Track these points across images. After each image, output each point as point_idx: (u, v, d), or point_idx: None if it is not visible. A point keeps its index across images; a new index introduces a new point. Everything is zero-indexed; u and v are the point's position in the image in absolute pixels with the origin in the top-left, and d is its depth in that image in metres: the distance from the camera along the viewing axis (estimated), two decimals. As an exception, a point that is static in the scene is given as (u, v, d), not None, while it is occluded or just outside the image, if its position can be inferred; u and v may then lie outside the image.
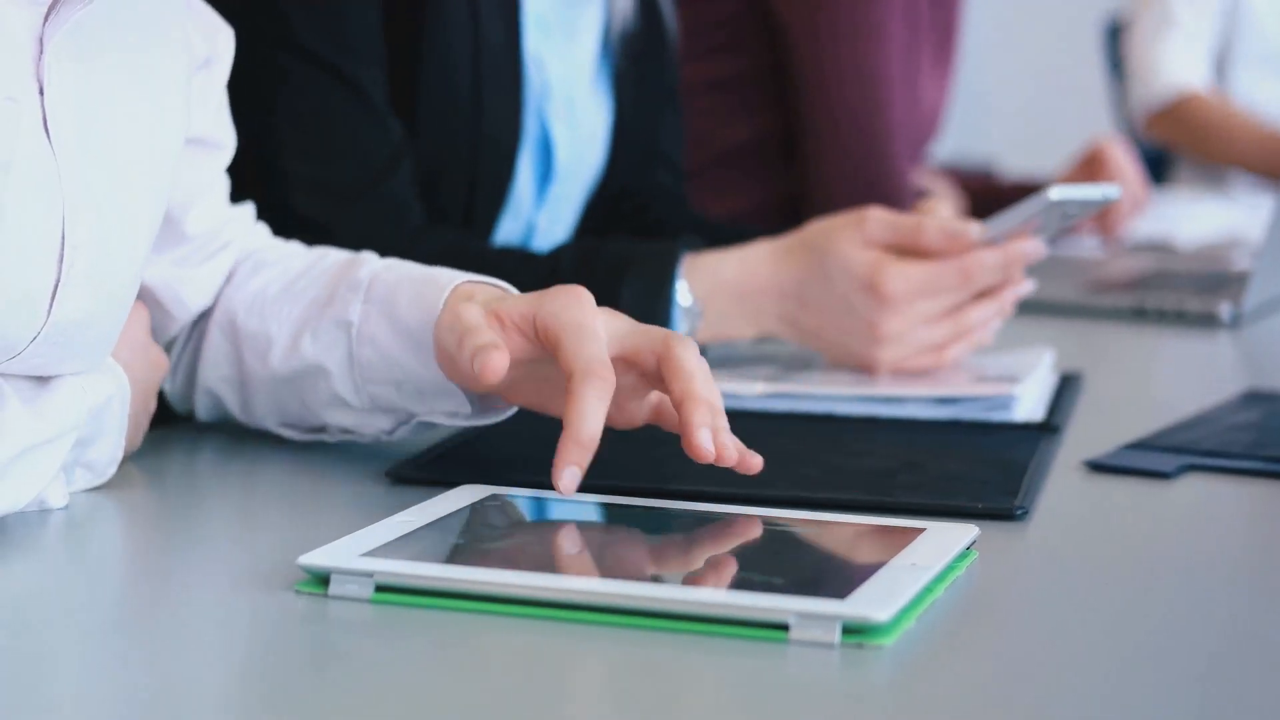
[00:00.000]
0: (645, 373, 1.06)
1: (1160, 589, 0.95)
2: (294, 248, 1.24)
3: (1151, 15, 3.37)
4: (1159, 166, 3.50)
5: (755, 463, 1.02)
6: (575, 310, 1.04)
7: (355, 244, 1.38)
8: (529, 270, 1.42)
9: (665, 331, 1.05)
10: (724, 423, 1.03)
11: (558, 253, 1.44)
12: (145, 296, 1.18)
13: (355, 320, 1.14)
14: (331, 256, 1.21)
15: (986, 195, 2.40)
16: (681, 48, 1.90)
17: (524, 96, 1.52)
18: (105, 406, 1.05)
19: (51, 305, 0.99)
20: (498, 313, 1.07)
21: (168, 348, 1.22)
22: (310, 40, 1.39)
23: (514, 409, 1.14)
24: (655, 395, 1.09)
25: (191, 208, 1.18)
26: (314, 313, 1.16)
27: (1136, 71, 3.39)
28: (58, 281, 0.99)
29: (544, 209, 1.60)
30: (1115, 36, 3.66)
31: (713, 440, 1.00)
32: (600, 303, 1.39)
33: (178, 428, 1.25)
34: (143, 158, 1.06)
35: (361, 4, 1.42)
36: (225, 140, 1.21)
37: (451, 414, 1.14)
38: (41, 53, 0.97)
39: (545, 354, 1.06)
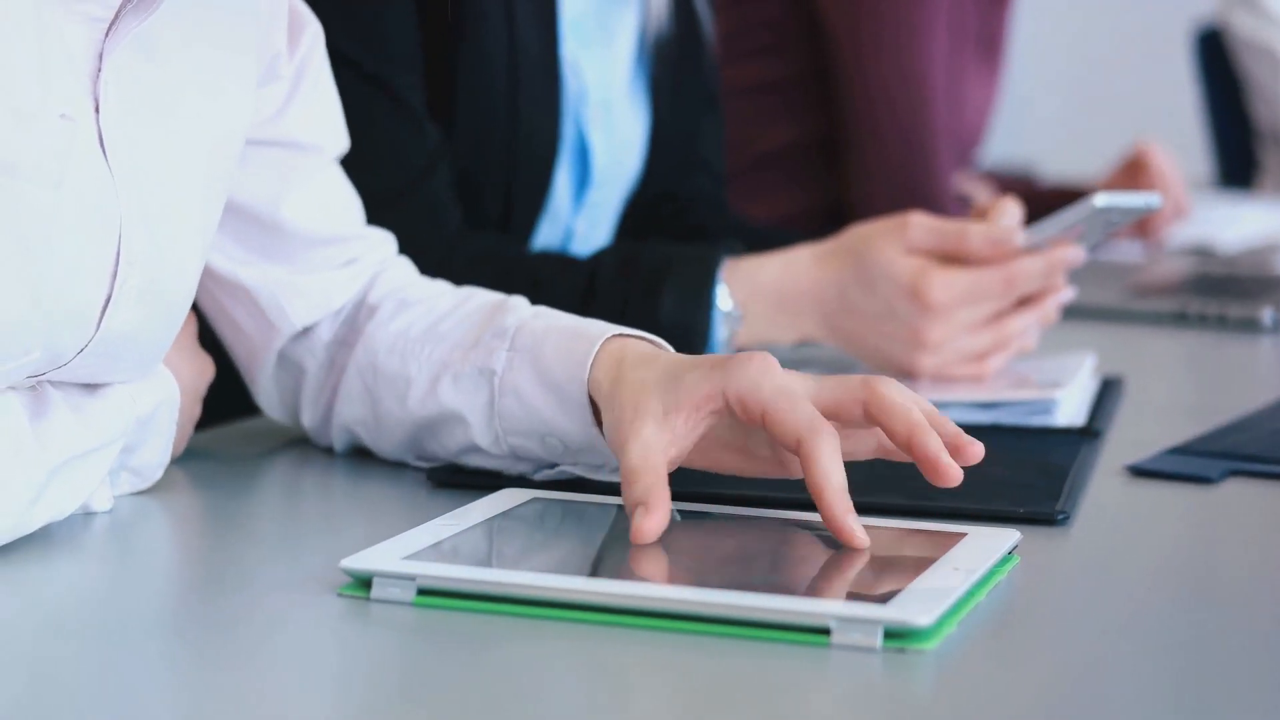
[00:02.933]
0: (849, 423, 1.00)
1: (1203, 594, 0.95)
2: (440, 286, 1.21)
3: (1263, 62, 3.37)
4: (1245, 172, 3.49)
5: (977, 450, 0.99)
6: (772, 377, 0.98)
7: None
8: (569, 275, 1.42)
9: (860, 377, 0.99)
10: (951, 428, 0.99)
11: (598, 257, 1.44)
12: (244, 300, 1.17)
13: (499, 369, 1.10)
14: (478, 298, 1.17)
15: (1026, 199, 2.40)
16: (726, 50, 1.89)
17: (561, 102, 1.52)
18: (153, 414, 1.05)
19: (101, 319, 0.99)
20: (679, 403, 0.99)
21: (295, 374, 1.20)
22: (346, 45, 1.40)
23: None
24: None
25: (282, 202, 1.16)
26: (456, 356, 1.13)
27: None
28: (109, 296, 0.99)
29: (582, 214, 1.60)
30: (1206, 44, 3.62)
31: (951, 459, 0.97)
32: (640, 307, 1.39)
33: (221, 432, 1.25)
34: (199, 171, 1.05)
35: (398, 9, 1.43)
36: (316, 142, 1.18)
37: (596, 467, 1.09)
38: (100, 69, 0.97)
39: (732, 422, 1.00)
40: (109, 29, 0.97)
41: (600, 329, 1.08)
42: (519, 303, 1.15)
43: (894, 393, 0.98)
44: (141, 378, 1.05)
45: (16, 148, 0.92)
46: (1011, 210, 1.45)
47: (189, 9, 1.03)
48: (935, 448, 0.97)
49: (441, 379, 1.13)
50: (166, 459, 1.08)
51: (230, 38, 1.08)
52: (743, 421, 1.00)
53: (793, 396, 0.97)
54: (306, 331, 1.20)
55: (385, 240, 1.24)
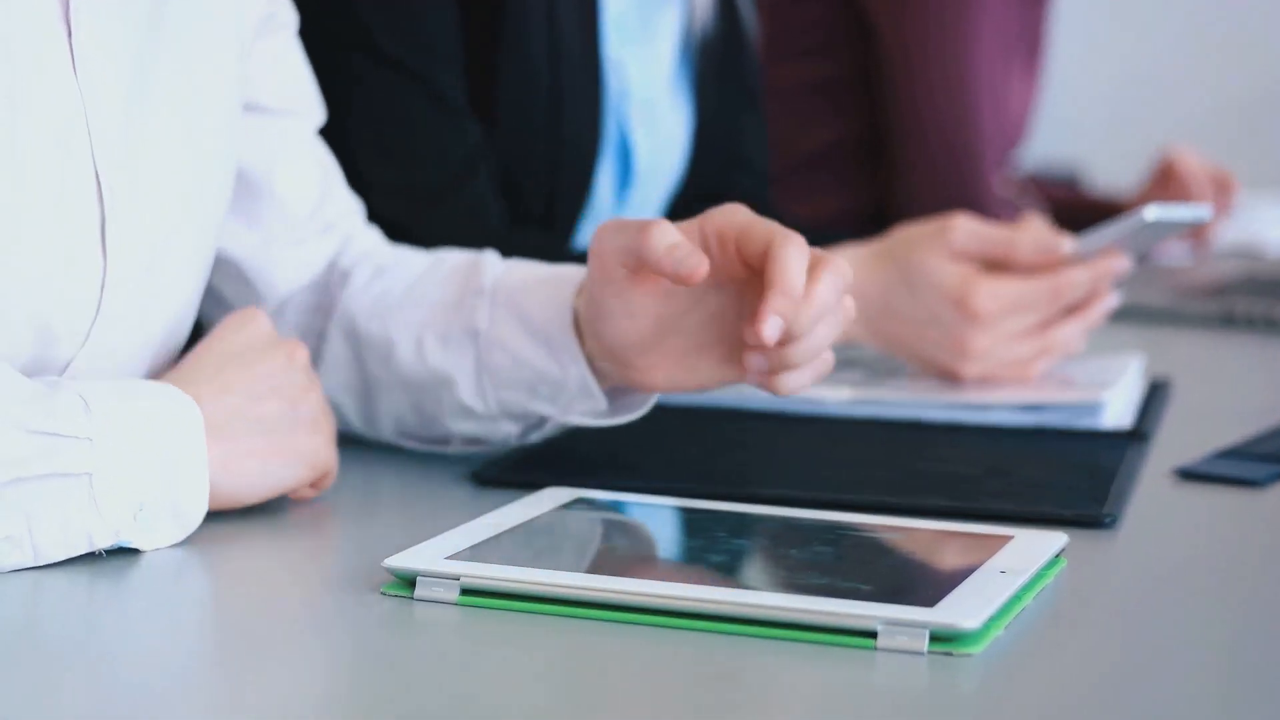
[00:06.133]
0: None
1: (1251, 598, 0.94)
2: (410, 250, 1.22)
3: None
4: None
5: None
6: (746, 210, 1.04)
7: (437, 247, 1.38)
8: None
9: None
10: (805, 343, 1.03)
11: (642, 256, 1.44)
12: (231, 273, 1.16)
13: (483, 326, 1.13)
14: (451, 259, 1.19)
15: (1071, 207, 2.39)
16: (771, 50, 1.89)
17: (603, 100, 1.52)
18: (166, 437, 0.95)
19: (104, 244, 0.98)
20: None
21: None
22: (387, 43, 1.40)
23: (652, 401, 1.11)
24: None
25: (276, 169, 1.16)
26: (438, 316, 1.15)
27: None
28: (103, 219, 0.98)
29: (624, 213, 1.60)
30: None
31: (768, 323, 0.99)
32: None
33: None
34: (186, 109, 1.04)
35: (440, 7, 1.43)
36: (297, 108, 1.19)
37: (587, 413, 1.11)
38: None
39: (701, 297, 1.05)
40: None
41: (575, 271, 1.11)
42: (491, 259, 1.17)
43: (841, 270, 1.02)
44: (168, 356, 1.04)
45: None
46: (1035, 223, 1.44)
47: None
48: (774, 306, 0.99)
49: (425, 340, 1.15)
50: (204, 495, 0.97)
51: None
52: (719, 263, 1.03)
53: (763, 220, 1.03)
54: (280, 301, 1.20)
55: (358, 207, 1.24)
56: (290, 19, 1.18)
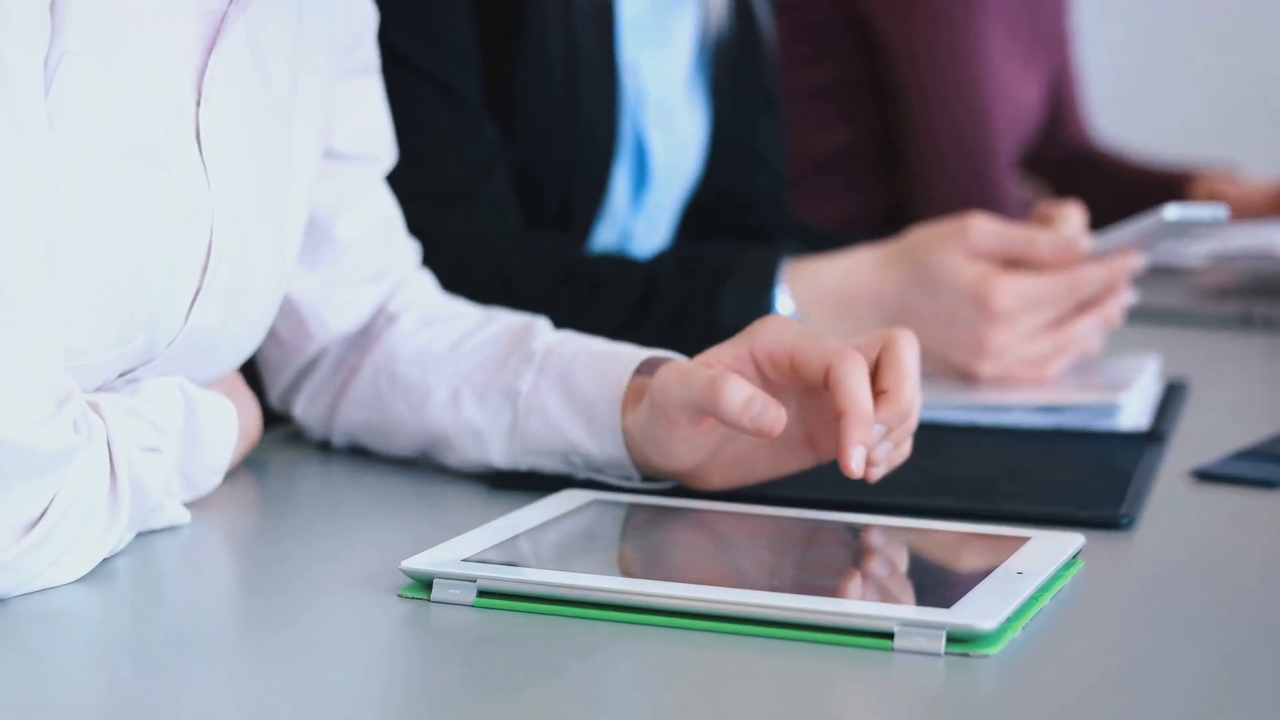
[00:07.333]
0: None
1: (1268, 599, 0.94)
2: (462, 306, 1.22)
3: None
4: None
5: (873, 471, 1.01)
6: (795, 327, 1.02)
7: (454, 249, 1.38)
8: (629, 276, 1.42)
9: (882, 331, 1.03)
10: (898, 432, 1.02)
11: (658, 259, 1.44)
12: (288, 311, 1.17)
13: (524, 390, 1.11)
14: (503, 318, 1.18)
15: (1108, 179, 2.37)
16: (779, 55, 1.89)
17: (619, 102, 1.52)
18: (207, 416, 1.04)
19: (189, 313, 1.00)
20: (708, 362, 1.03)
21: (305, 370, 1.21)
22: (403, 45, 1.40)
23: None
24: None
25: (341, 215, 1.17)
26: (479, 374, 1.13)
27: None
28: (199, 290, 1.00)
29: (640, 215, 1.60)
30: None
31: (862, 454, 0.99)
32: (700, 309, 1.39)
33: (279, 433, 1.25)
34: (284, 176, 1.06)
35: (455, 9, 1.43)
36: (369, 153, 1.19)
37: (620, 479, 1.10)
38: (206, 65, 0.98)
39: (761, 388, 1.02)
40: (219, 25, 0.99)
41: (631, 353, 1.09)
42: (544, 326, 1.16)
43: (908, 351, 1.02)
44: (216, 377, 1.06)
45: (138, 130, 0.94)
46: (1074, 217, 1.44)
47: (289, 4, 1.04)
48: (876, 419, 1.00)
49: (463, 395, 1.13)
50: (223, 467, 1.06)
51: (324, 46, 1.09)
52: (773, 380, 1.02)
53: (817, 337, 1.02)
54: None
55: (412, 250, 1.25)
56: (375, 62, 1.19)
